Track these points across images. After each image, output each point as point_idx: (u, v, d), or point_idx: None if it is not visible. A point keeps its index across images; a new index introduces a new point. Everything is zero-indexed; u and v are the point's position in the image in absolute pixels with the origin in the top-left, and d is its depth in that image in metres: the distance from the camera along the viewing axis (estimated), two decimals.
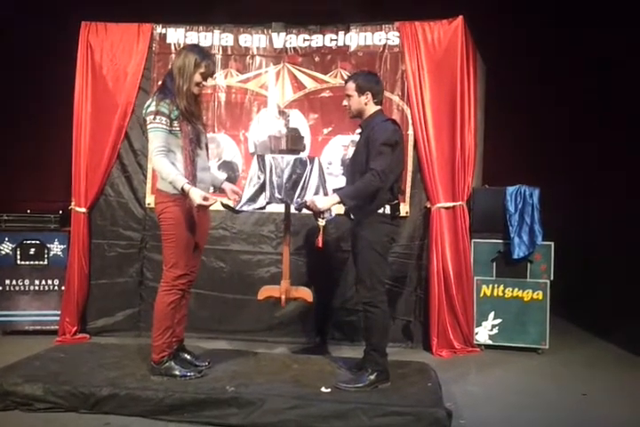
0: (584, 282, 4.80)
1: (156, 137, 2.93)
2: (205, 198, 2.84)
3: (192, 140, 2.98)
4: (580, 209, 5.04)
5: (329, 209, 3.12)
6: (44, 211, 4.39)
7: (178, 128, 2.96)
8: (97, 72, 4.20)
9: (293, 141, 3.42)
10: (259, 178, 3.33)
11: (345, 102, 3.17)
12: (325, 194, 3.37)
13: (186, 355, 3.24)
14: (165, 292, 3.02)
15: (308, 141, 4.08)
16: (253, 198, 3.32)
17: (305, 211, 4.16)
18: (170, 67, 3.14)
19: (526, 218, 4.06)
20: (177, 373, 3.01)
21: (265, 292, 3.68)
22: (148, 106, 2.97)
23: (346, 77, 4.15)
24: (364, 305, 3.06)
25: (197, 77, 2.99)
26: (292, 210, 3.57)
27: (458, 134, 4.05)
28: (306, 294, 3.66)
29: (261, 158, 3.38)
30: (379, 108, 3.15)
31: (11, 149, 5.31)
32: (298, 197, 3.28)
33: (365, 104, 3.10)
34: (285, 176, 3.30)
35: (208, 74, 3.03)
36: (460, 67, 4.01)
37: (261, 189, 3.31)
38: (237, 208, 3.29)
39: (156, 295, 3.07)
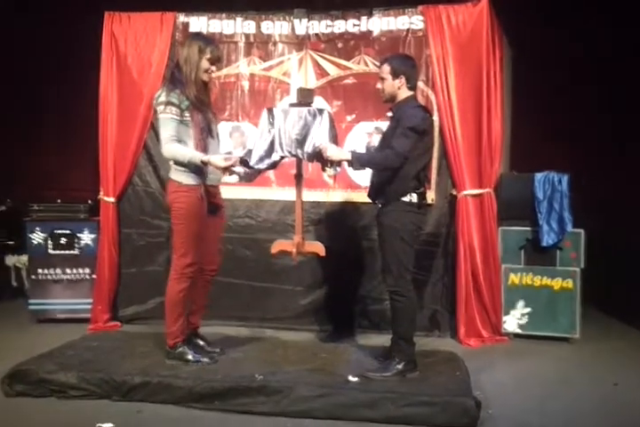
0: (616, 269, 4.69)
1: (167, 126, 2.96)
2: (227, 159, 2.93)
3: (203, 128, 3.02)
4: (612, 195, 4.92)
5: (337, 164, 3.15)
6: (73, 201, 4.46)
7: (188, 118, 2.99)
8: (122, 62, 4.22)
9: (303, 94, 3.33)
10: (269, 132, 3.26)
11: (378, 85, 3.12)
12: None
13: (199, 341, 3.31)
14: (176, 280, 3.08)
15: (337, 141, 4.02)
16: (267, 154, 3.25)
17: (327, 199, 4.22)
18: (176, 59, 3.16)
19: (555, 205, 3.98)
20: (190, 357, 3.09)
21: (278, 246, 3.60)
22: (159, 96, 2.99)
23: (369, 63, 4.16)
24: (390, 294, 3.05)
25: (205, 64, 3.01)
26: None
27: (484, 120, 3.97)
28: (318, 248, 3.56)
29: (270, 111, 3.31)
30: (412, 93, 3.11)
31: (38, 141, 5.41)
32: (307, 149, 3.20)
33: (399, 88, 3.05)
34: (295, 129, 3.22)
35: (214, 58, 3.05)
36: (485, 50, 3.92)
37: (272, 143, 3.25)
38: (251, 164, 3.23)
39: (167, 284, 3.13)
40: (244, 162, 3.21)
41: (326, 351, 3.43)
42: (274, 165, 3.40)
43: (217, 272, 3.37)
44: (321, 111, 3.26)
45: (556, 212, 3.97)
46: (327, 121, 3.22)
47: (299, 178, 3.48)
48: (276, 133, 3.24)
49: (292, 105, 3.35)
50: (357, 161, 3.02)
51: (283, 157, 3.32)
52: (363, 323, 4.22)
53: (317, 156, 3.17)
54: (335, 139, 3.34)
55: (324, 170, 3.30)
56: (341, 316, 4.23)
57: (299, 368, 3.05)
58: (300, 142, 3.20)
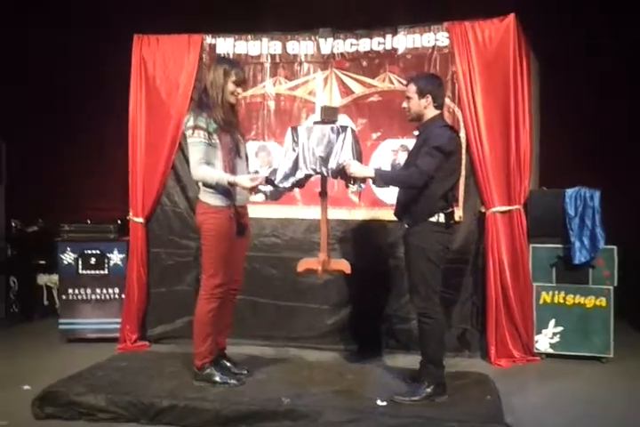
0: None
1: (196, 150, 3.01)
2: (253, 179, 2.96)
3: (231, 149, 3.06)
4: None
5: (361, 181, 3.15)
6: (103, 221, 4.52)
7: (216, 140, 3.03)
8: (150, 84, 4.28)
9: (327, 113, 3.33)
10: (294, 150, 3.26)
11: (404, 104, 3.12)
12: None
13: (226, 362, 3.30)
14: (205, 300, 3.10)
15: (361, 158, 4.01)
16: (292, 172, 3.25)
17: (352, 217, 4.21)
18: (203, 83, 3.20)
19: (587, 221, 3.89)
20: (217, 379, 3.09)
21: (304, 264, 3.56)
22: (187, 121, 3.05)
23: (394, 81, 4.16)
24: (418, 316, 3.01)
25: (231, 86, 3.07)
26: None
27: (512, 135, 3.92)
28: (344, 265, 3.53)
29: (295, 130, 3.32)
30: (438, 112, 3.09)
31: (69, 162, 5.52)
32: (331, 166, 3.20)
33: (425, 107, 3.04)
34: (319, 147, 3.22)
35: (240, 80, 3.10)
36: (512, 66, 3.88)
37: (296, 161, 3.25)
38: (276, 182, 3.24)
39: (196, 304, 3.14)
40: (269, 181, 3.23)
41: (352, 372, 3.40)
42: (300, 184, 3.40)
43: (239, 291, 3.39)
44: (344, 128, 3.26)
45: (588, 228, 3.89)
46: (350, 138, 3.21)
47: (323, 195, 3.47)
48: (300, 151, 3.25)
49: (316, 123, 3.37)
50: (380, 179, 3.01)
51: (308, 176, 3.32)
52: (390, 343, 4.17)
53: (341, 173, 3.17)
54: (359, 155, 3.33)
55: (347, 187, 3.32)
56: (368, 335, 4.18)
57: (325, 390, 3.02)
58: (325, 160, 3.21)
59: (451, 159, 2.96)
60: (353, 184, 3.21)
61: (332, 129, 3.23)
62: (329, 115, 3.34)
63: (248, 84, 4.24)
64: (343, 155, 3.16)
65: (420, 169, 2.90)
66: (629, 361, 3.89)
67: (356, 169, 3.03)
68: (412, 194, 3.01)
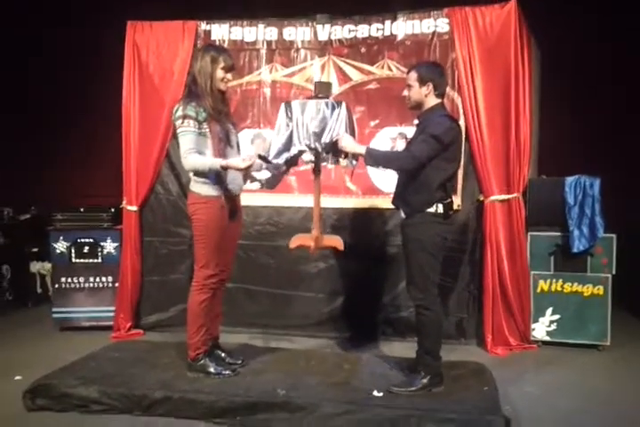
0: None
1: (186, 140, 2.96)
2: (245, 160, 2.91)
3: (221, 139, 3.01)
4: None
5: (353, 157, 3.13)
6: (96, 209, 4.45)
7: (206, 129, 2.98)
8: (144, 71, 4.20)
9: (321, 88, 3.28)
10: (287, 126, 3.22)
11: (405, 92, 3.05)
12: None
13: (220, 352, 3.29)
14: (198, 291, 3.08)
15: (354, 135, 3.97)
16: (285, 148, 3.21)
17: (348, 205, 4.16)
18: (192, 72, 3.13)
19: (586, 210, 3.86)
20: (212, 370, 3.07)
21: (296, 240, 3.52)
22: (176, 111, 2.99)
23: (393, 68, 4.09)
24: (416, 307, 2.98)
25: (220, 73, 3.02)
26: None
27: (512, 123, 3.86)
28: (337, 242, 3.50)
29: (288, 105, 3.26)
30: (439, 101, 3.02)
31: (62, 148, 5.46)
32: (324, 141, 3.15)
33: (426, 96, 2.98)
34: (314, 122, 3.16)
35: (228, 66, 3.04)
36: (513, 53, 3.81)
37: (290, 137, 3.20)
38: (270, 159, 3.19)
39: (189, 295, 3.12)
40: (262, 158, 3.17)
41: (349, 362, 3.37)
42: (294, 162, 3.33)
43: (228, 280, 3.36)
44: (339, 104, 3.19)
45: (587, 217, 3.86)
46: (345, 113, 3.16)
47: (317, 173, 3.41)
48: (294, 127, 3.20)
49: (310, 98, 3.30)
50: (370, 157, 2.96)
51: (301, 152, 3.24)
52: (386, 330, 4.15)
53: (333, 147, 3.12)
54: (353, 132, 3.28)
55: (338, 162, 3.28)
56: (364, 323, 4.16)
57: (322, 382, 2.99)
58: (318, 135, 3.15)
59: (450, 148, 2.90)
60: (344, 159, 3.17)
61: (326, 104, 3.17)
62: (323, 90, 3.28)
63: (243, 70, 4.19)
64: (337, 130, 3.12)
65: (412, 154, 2.86)
66: (626, 349, 3.89)
67: (347, 143, 2.99)
68: (411, 183, 2.96)
